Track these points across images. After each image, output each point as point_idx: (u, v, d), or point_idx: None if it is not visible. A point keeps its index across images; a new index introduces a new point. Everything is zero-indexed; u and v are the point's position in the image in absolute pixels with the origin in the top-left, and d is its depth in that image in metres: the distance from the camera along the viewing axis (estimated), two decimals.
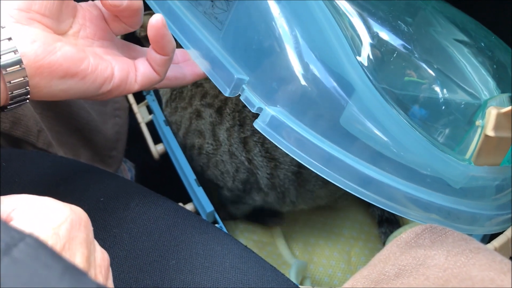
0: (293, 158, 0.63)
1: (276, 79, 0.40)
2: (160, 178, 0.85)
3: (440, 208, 0.41)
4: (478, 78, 0.43)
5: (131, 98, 0.79)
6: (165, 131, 0.71)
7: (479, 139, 0.39)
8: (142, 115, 0.77)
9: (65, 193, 0.46)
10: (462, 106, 0.41)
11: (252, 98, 0.40)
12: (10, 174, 0.48)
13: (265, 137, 0.60)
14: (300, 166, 0.63)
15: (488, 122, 0.38)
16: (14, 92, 0.35)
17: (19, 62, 0.34)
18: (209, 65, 0.44)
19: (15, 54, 0.33)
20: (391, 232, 0.77)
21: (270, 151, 0.62)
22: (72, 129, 0.68)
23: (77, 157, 0.69)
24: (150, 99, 0.76)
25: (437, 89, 0.40)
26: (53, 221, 0.27)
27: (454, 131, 0.41)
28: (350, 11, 0.40)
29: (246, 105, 0.41)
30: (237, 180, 0.67)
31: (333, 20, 0.39)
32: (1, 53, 0.33)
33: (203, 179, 0.68)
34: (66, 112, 0.66)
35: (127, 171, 0.88)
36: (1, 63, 0.33)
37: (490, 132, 0.38)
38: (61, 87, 0.37)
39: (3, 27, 0.33)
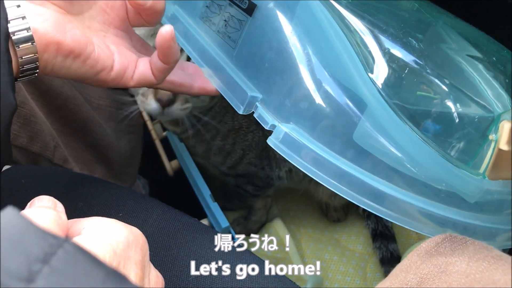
0: None
1: (289, 96, 0.41)
2: (174, 194, 0.86)
3: (455, 223, 0.40)
4: (491, 91, 0.43)
5: (145, 115, 0.80)
6: (180, 148, 0.71)
7: (493, 153, 0.39)
8: (156, 132, 0.78)
9: (85, 209, 0.47)
10: (476, 120, 0.41)
11: (265, 116, 0.41)
12: (29, 191, 0.49)
13: None
14: None
15: (502, 136, 0.38)
16: (24, 66, 0.37)
17: (31, 39, 0.36)
18: (223, 83, 0.45)
19: (27, 32, 0.36)
20: (386, 247, 0.76)
21: None
22: (88, 145, 0.69)
23: (92, 173, 0.70)
24: None
25: (450, 103, 0.41)
26: (112, 240, 0.28)
27: (468, 145, 0.41)
28: (361, 28, 0.40)
29: (260, 122, 0.41)
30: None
31: (345, 38, 0.39)
32: (15, 30, 0.36)
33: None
34: (82, 128, 0.67)
35: (141, 188, 0.89)
36: (14, 39, 0.36)
37: (503, 146, 0.38)
38: (63, 64, 0.39)
39: (18, 6, 0.36)
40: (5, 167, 0.51)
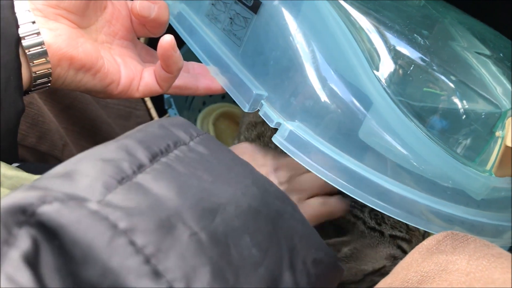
0: None
1: (294, 94, 0.40)
2: None
3: (463, 220, 0.40)
4: (499, 88, 0.42)
5: (153, 112, 0.80)
6: None
7: (500, 150, 0.39)
8: None
9: None
10: (483, 116, 0.41)
11: (270, 114, 0.41)
12: None
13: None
14: None
15: (508, 133, 0.38)
16: (37, 81, 0.38)
17: (44, 54, 0.36)
18: (228, 81, 0.45)
19: (41, 47, 0.36)
20: None
21: None
22: (96, 143, 0.69)
23: None
24: (172, 112, 0.77)
25: (456, 99, 0.40)
26: None
27: (475, 142, 0.40)
28: (366, 25, 0.40)
29: (265, 120, 0.41)
30: None
31: (350, 35, 0.39)
32: (30, 45, 0.36)
33: None
34: (90, 127, 0.67)
35: None
36: (29, 55, 0.36)
37: (510, 143, 0.38)
38: (74, 78, 0.39)
39: (33, 22, 0.36)
40: (14, 165, 0.51)
